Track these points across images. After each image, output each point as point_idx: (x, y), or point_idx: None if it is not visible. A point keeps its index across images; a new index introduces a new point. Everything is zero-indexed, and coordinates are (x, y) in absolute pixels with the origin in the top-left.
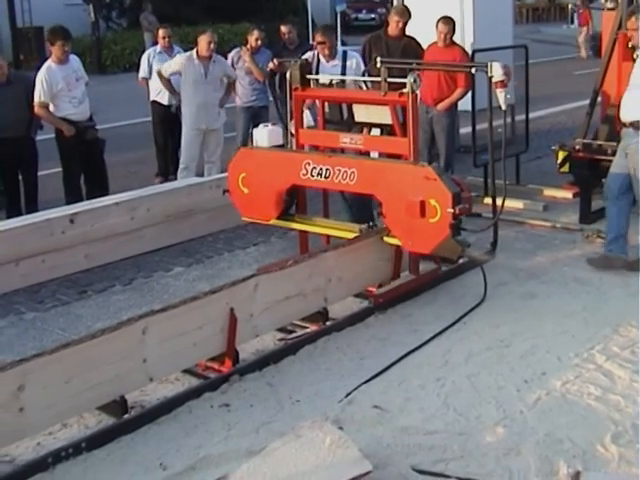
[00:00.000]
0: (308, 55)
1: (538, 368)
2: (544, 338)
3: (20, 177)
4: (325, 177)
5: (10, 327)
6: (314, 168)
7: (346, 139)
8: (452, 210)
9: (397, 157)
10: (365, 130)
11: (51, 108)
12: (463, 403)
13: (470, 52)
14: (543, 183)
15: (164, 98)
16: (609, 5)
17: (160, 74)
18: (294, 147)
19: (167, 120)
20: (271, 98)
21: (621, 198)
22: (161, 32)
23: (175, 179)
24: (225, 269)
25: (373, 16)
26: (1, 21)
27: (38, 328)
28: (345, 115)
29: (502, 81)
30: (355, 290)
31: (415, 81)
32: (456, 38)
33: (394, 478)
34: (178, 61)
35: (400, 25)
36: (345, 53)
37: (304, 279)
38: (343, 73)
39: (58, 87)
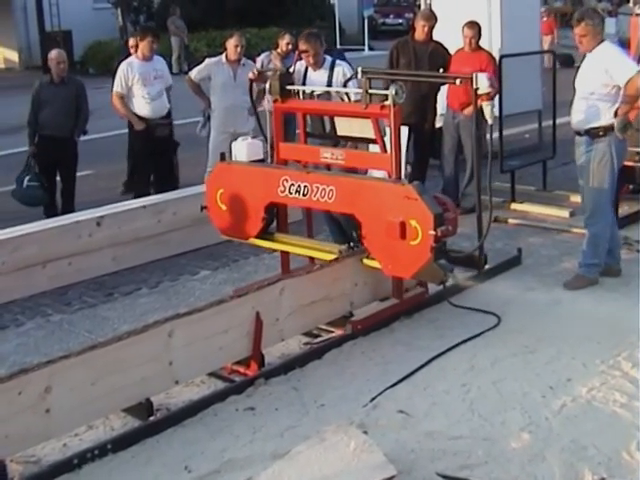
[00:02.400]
0: (298, 64)
1: (563, 374)
2: (570, 344)
3: (58, 177)
4: (303, 194)
5: (37, 329)
6: (292, 185)
7: (327, 154)
8: (434, 232)
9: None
10: (349, 144)
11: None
12: (488, 409)
13: (497, 57)
14: (570, 189)
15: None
16: (638, 11)
17: (190, 79)
18: (274, 162)
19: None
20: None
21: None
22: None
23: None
24: (251, 273)
25: (401, 21)
26: (30, 25)
27: (65, 330)
28: (328, 128)
29: (488, 94)
30: (381, 295)
31: (397, 93)
32: (484, 43)
33: None
34: (206, 66)
35: (426, 29)
36: (334, 62)
37: (330, 283)
38: (329, 83)
39: (133, 81)
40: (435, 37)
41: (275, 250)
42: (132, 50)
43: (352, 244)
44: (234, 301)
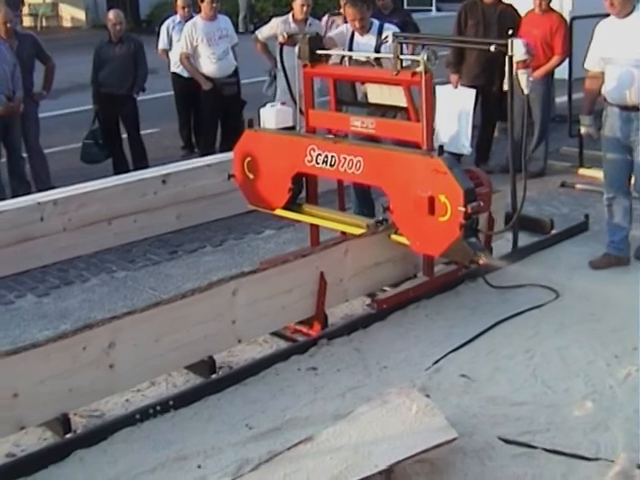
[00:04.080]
0: (343, 28)
1: (629, 343)
2: (636, 313)
3: (126, 135)
4: (331, 165)
5: (102, 285)
6: (319, 155)
7: (357, 122)
8: (463, 209)
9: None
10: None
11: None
12: (552, 375)
13: (568, 20)
14: None
15: (185, 71)
16: None
17: (256, 38)
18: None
19: (188, 93)
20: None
21: None
22: (180, 1)
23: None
24: None
25: None
26: None
27: (129, 287)
28: (360, 95)
29: (524, 61)
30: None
31: (429, 59)
32: (555, 5)
33: (480, 446)
34: (273, 25)
35: None
36: (381, 26)
37: (394, 246)
38: (377, 49)
39: (198, 41)
40: None
41: (301, 222)
42: (180, 11)
43: (381, 218)
44: (298, 261)
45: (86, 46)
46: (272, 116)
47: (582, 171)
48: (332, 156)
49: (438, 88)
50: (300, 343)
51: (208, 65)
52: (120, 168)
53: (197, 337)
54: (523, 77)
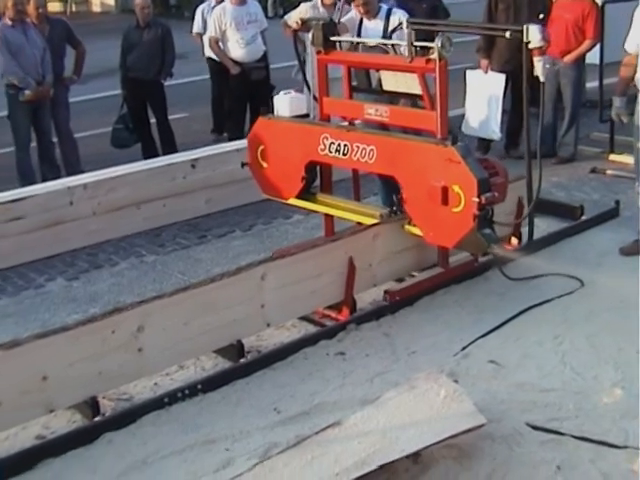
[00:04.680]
0: (353, 13)
1: None
2: None
3: (154, 120)
4: (344, 154)
5: (131, 269)
6: (332, 143)
7: (371, 110)
8: (477, 199)
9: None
10: (402, 101)
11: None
12: (581, 362)
13: (600, 3)
14: None
15: None
16: None
17: (285, 24)
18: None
19: (222, 77)
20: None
21: None
22: None
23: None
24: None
25: None
26: None
27: (158, 271)
28: (374, 83)
29: (540, 47)
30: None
31: (443, 45)
32: None
33: (508, 433)
34: (302, 9)
35: None
36: (389, 11)
37: None
38: (385, 34)
39: (227, 26)
40: None
41: (314, 211)
42: None
43: (394, 208)
44: (327, 245)
45: (115, 31)
46: (286, 104)
47: (613, 157)
48: (345, 145)
49: (468, 73)
50: (329, 328)
51: (236, 49)
52: (149, 153)
53: (226, 321)
54: (539, 64)
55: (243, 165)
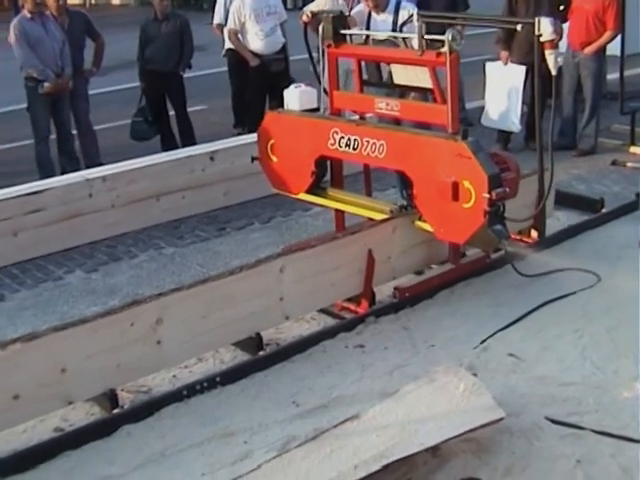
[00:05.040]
0: (361, 7)
1: None
2: None
3: (173, 112)
4: (354, 148)
5: (150, 261)
6: (342, 138)
7: (382, 104)
8: (488, 195)
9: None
10: (413, 95)
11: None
12: (601, 356)
13: None
14: None
15: None
16: None
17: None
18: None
19: (243, 70)
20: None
21: None
22: None
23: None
24: None
25: None
26: None
27: (177, 263)
28: (385, 76)
29: (552, 40)
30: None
31: (454, 38)
32: None
33: (527, 427)
34: (321, 2)
35: None
36: (398, 4)
37: None
38: (394, 28)
39: (246, 18)
40: None
41: (323, 206)
42: None
43: (405, 204)
44: (346, 238)
45: (134, 23)
46: (295, 97)
47: (633, 149)
48: (355, 139)
49: (488, 65)
50: (348, 320)
51: (256, 41)
52: (168, 145)
53: (245, 314)
54: (551, 57)
55: (253, 159)
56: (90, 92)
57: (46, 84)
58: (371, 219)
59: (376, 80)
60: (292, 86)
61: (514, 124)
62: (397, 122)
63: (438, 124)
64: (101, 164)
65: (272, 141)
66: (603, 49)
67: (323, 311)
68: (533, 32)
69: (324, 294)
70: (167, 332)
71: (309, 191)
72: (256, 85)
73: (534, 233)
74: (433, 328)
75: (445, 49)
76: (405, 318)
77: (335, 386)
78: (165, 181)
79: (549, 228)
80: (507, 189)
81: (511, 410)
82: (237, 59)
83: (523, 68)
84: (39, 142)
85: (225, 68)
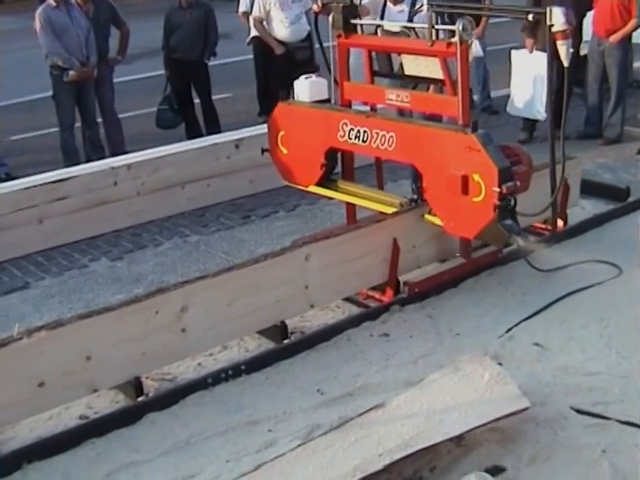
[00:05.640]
0: None
1: None
2: None
3: (198, 100)
4: (363, 140)
5: (174, 249)
6: (351, 129)
7: (392, 96)
8: (498, 189)
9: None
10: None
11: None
12: (626, 346)
13: None
14: None
15: None
16: None
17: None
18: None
19: (268, 58)
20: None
21: None
22: None
23: None
24: None
25: None
26: None
27: (202, 251)
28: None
29: (564, 31)
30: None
31: (464, 28)
32: None
33: (552, 416)
34: None
35: None
36: None
37: None
38: (410, 19)
39: (271, 5)
40: None
41: (333, 199)
42: None
43: (415, 197)
44: (371, 227)
45: (159, 12)
46: (306, 88)
47: None
48: (365, 131)
49: (514, 53)
50: (372, 309)
51: (281, 29)
52: (193, 133)
53: (269, 302)
54: (563, 48)
55: (263, 151)
56: (115, 80)
57: (71, 72)
58: (382, 213)
59: (387, 71)
60: (303, 76)
61: (539, 112)
62: (400, 113)
63: (449, 116)
64: (126, 152)
65: (282, 133)
66: (628, 37)
67: (348, 299)
68: None
69: (349, 282)
70: (192, 320)
71: (319, 183)
72: (281, 73)
73: (560, 223)
74: (458, 317)
75: (455, 39)
76: (430, 307)
77: (360, 375)
78: (190, 169)
79: (575, 217)
80: (518, 183)
81: (536, 399)
82: (262, 47)
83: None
84: (64, 130)
85: (250, 56)
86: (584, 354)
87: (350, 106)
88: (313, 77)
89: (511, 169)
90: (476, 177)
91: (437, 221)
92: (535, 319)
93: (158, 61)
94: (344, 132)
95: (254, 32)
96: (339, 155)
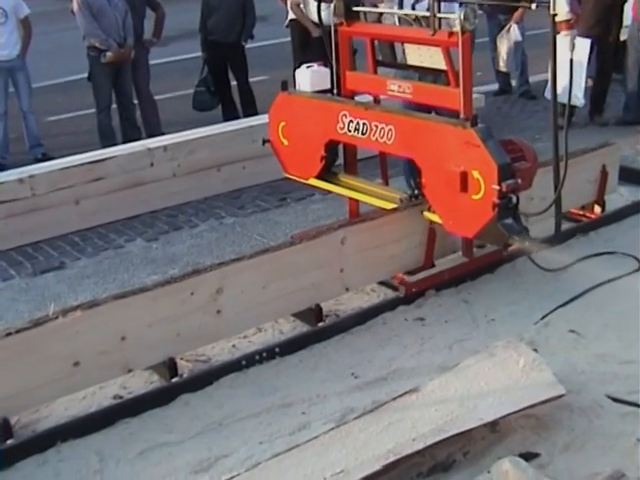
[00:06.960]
0: None
1: None
2: None
3: (235, 83)
4: (362, 133)
5: (210, 231)
6: (351, 121)
7: (394, 86)
8: (497, 187)
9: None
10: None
11: None
12: None
13: None
14: None
15: None
16: None
17: None
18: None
19: (305, 40)
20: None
21: None
22: None
23: None
24: None
25: None
26: None
27: (237, 233)
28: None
29: (568, 21)
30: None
31: (466, 17)
32: None
33: (587, 404)
34: None
35: None
36: None
37: None
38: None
39: None
40: None
41: (332, 193)
42: None
43: (415, 193)
44: (407, 210)
45: None
46: (307, 78)
47: None
48: (364, 123)
49: (558, 37)
50: (407, 294)
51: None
52: (229, 115)
53: (304, 285)
54: (566, 38)
55: (264, 142)
56: (151, 62)
57: (108, 54)
58: (382, 208)
59: (390, 61)
60: (304, 66)
61: (577, 98)
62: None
63: (451, 109)
64: (162, 134)
65: (283, 123)
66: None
67: (383, 283)
68: (602, 4)
69: (384, 266)
70: (227, 302)
71: (319, 176)
72: (317, 56)
73: (597, 209)
74: (493, 302)
75: (457, 28)
76: (465, 292)
77: (394, 359)
78: (226, 151)
79: (613, 203)
80: (519, 180)
81: (571, 387)
82: (299, 29)
83: (588, 41)
84: (101, 111)
85: (287, 39)
86: (620, 342)
87: (353, 97)
88: (315, 66)
89: (512, 166)
90: (475, 174)
91: (436, 218)
92: (571, 306)
93: (195, 43)
94: (344, 124)
95: (291, 15)
96: (341, 147)
